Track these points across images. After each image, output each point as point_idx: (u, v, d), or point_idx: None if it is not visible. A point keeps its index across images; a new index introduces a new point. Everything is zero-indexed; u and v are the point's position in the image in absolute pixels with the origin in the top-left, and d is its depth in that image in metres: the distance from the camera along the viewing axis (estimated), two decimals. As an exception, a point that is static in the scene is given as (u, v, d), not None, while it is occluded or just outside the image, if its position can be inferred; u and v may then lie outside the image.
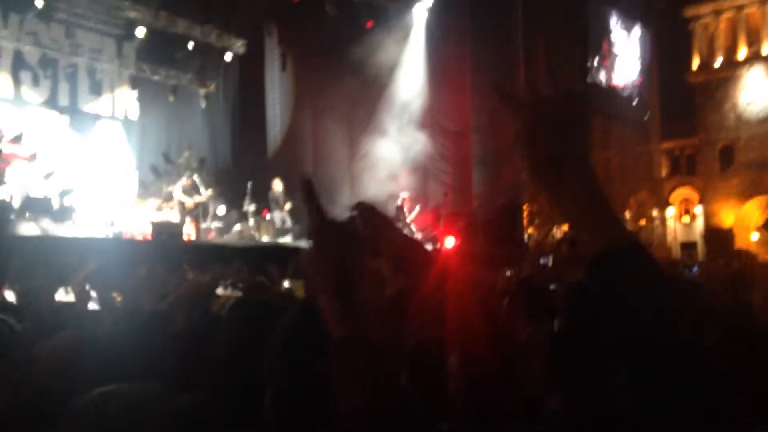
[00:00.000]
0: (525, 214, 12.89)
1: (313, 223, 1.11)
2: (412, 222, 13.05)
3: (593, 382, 2.29)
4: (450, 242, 10.97)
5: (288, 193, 11.99)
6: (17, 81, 11.62)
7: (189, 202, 11.41)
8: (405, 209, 12.98)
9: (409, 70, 13.84)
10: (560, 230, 13.76)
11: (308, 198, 1.08)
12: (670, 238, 24.27)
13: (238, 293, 3.64)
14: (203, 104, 14.49)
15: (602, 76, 15.83)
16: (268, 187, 12.06)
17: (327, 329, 1.09)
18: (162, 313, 2.31)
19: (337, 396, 1.08)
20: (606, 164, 16.41)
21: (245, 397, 1.82)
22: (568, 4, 14.94)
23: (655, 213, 24.17)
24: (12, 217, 8.22)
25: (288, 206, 11.94)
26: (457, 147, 13.12)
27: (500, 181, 12.35)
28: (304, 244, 11.34)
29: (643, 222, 22.33)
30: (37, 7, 11.18)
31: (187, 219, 11.20)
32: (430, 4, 13.66)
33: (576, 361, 2.45)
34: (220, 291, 3.69)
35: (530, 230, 13.02)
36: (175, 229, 10.05)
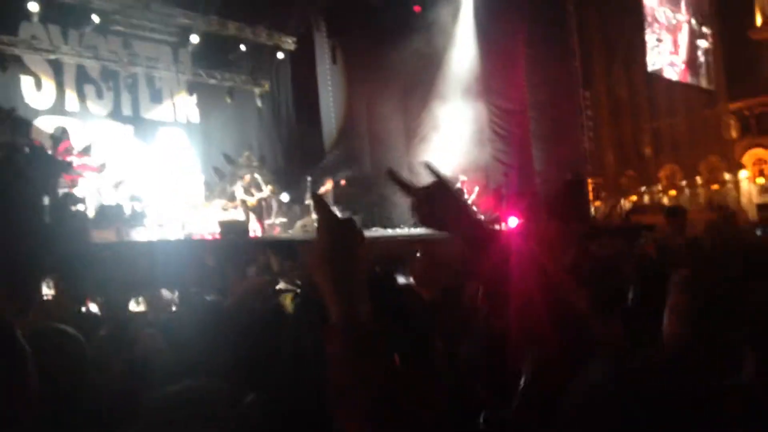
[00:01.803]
0: (590, 188, 12.62)
1: (322, 215, 1.17)
2: (473, 204, 12.96)
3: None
4: (513, 222, 10.84)
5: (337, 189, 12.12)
6: (81, 95, 12.07)
7: (252, 200, 11.65)
8: (465, 191, 12.90)
9: (462, 51, 13.68)
10: (629, 201, 13.41)
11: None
12: (744, 200, 23.38)
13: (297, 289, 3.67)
14: (259, 103, 14.72)
15: (663, 53, 15.32)
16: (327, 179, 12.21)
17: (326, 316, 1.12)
18: (227, 310, 2.37)
19: (336, 389, 1.10)
20: (672, 131, 15.87)
21: (310, 395, 1.84)
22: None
23: (727, 176, 23.33)
24: (88, 227, 8.54)
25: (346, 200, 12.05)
26: (515, 125, 12.92)
27: (560, 157, 12.12)
28: (368, 234, 11.43)
29: (715, 187, 21.57)
30: (94, 22, 11.55)
31: (252, 217, 11.45)
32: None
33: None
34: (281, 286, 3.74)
35: (597, 204, 12.71)
36: (242, 227, 10.27)
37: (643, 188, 12.50)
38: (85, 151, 10.34)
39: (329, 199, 12.05)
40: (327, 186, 12.16)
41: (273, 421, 1.75)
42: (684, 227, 4.82)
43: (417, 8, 13.22)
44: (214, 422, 1.57)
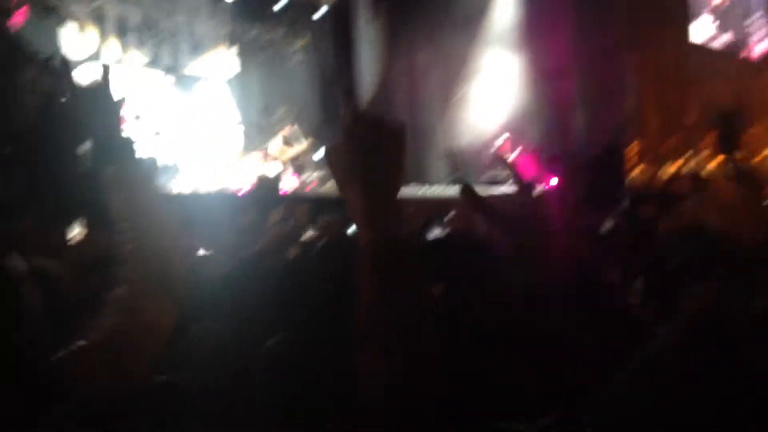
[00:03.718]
0: (635, 152, 12.37)
1: (346, 116, 1.07)
2: (513, 163, 12.78)
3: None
4: (552, 183, 10.68)
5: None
6: (122, 44, 12.10)
7: (290, 152, 11.69)
8: (505, 151, 12.74)
9: (505, 10, 13.37)
10: (672, 168, 13.11)
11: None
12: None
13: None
14: (299, 56, 14.65)
15: (711, 23, 14.77)
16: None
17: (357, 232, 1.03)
18: (251, 258, 2.37)
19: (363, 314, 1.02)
20: (719, 98, 15.41)
21: (334, 338, 1.83)
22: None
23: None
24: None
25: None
26: (558, 88, 12.65)
27: (603, 120, 11.87)
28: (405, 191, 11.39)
29: (758, 158, 20.91)
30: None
31: (289, 169, 11.50)
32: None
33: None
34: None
35: (639, 169, 12.47)
36: (275, 182, 10.31)
37: (687, 155, 12.20)
38: (122, 101, 10.42)
39: None
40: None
41: (298, 360, 1.75)
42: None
43: None
44: (231, 362, 1.58)
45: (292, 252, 2.50)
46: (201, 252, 3.54)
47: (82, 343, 1.33)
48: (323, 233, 3.52)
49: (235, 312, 1.92)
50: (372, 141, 1.06)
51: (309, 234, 3.54)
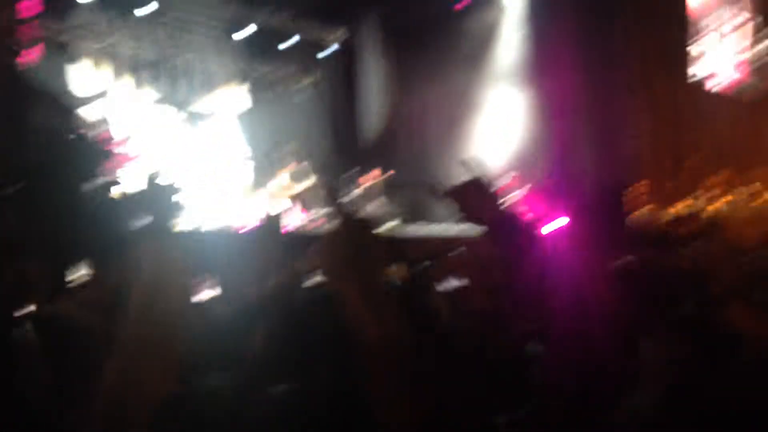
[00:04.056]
0: (641, 192, 12.35)
1: (340, 217, 1.14)
2: (519, 202, 12.81)
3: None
4: (558, 222, 10.69)
5: (387, 179, 12.13)
6: (132, 82, 12.29)
7: (297, 189, 11.76)
8: (511, 189, 12.76)
9: (509, 50, 13.54)
10: (675, 209, 13.06)
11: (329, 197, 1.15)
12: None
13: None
14: (307, 94, 14.83)
15: (712, 62, 14.93)
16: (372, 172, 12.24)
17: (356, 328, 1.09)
18: (256, 302, 2.37)
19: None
20: (723, 139, 15.47)
21: (342, 387, 1.82)
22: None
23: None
24: (127, 214, 8.68)
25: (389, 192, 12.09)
26: (563, 125, 12.74)
27: (606, 160, 11.91)
28: (408, 230, 11.44)
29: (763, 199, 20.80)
30: (150, 10, 11.74)
31: (297, 206, 11.56)
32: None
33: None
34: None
35: (643, 210, 12.45)
36: (278, 220, 10.31)
37: (690, 196, 12.19)
38: (131, 138, 10.54)
39: (378, 189, 12.08)
40: (374, 175, 12.18)
41: (305, 409, 1.75)
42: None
43: (459, 6, 13.12)
44: (238, 414, 1.57)
45: (299, 295, 2.51)
46: (206, 293, 3.55)
47: (84, 409, 1.35)
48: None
49: (239, 361, 1.93)
50: (359, 240, 1.15)
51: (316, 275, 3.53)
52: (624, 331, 2.74)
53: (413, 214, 12.53)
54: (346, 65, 14.63)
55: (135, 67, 12.30)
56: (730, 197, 10.79)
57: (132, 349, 1.44)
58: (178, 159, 11.71)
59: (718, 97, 14.76)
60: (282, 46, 13.89)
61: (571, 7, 11.96)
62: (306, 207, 11.77)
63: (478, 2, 13.29)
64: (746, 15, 15.88)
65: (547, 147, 12.87)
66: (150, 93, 12.52)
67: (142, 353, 1.46)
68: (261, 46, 13.71)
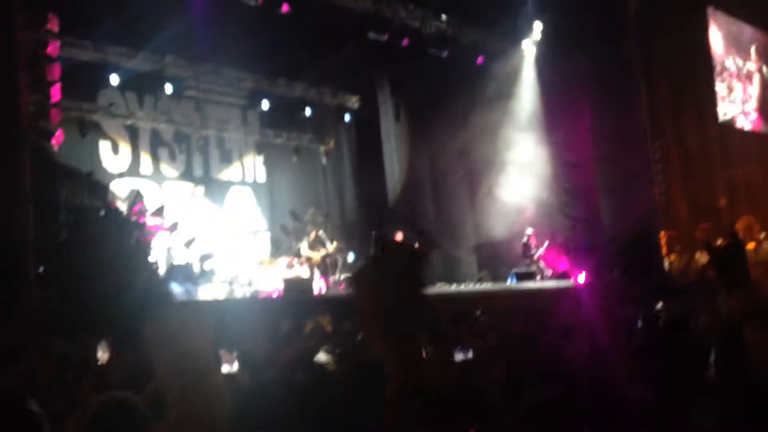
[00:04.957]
0: (663, 242, 12.19)
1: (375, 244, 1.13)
2: (540, 258, 12.72)
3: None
4: (581, 278, 10.56)
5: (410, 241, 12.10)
6: (156, 157, 12.59)
7: (316, 256, 11.78)
8: (532, 245, 12.71)
9: (525, 104, 13.66)
10: (704, 255, 12.86)
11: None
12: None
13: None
14: (324, 161, 15.04)
15: (735, 101, 14.94)
16: (392, 236, 12.21)
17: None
18: (276, 374, 2.36)
19: None
20: (748, 181, 15.32)
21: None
22: (688, 37, 14.22)
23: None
24: (161, 286, 8.76)
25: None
26: (582, 178, 12.69)
27: (630, 210, 11.78)
28: (434, 290, 11.35)
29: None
30: (168, 89, 12.11)
31: (316, 273, 11.55)
32: (539, 38, 13.47)
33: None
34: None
35: (671, 258, 12.28)
36: (306, 285, 10.34)
37: (720, 241, 12.00)
38: (158, 212, 10.72)
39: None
40: (397, 238, 12.19)
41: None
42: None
43: (480, 60, 13.29)
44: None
45: (316, 367, 2.49)
46: (231, 363, 3.54)
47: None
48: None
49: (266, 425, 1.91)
50: (397, 269, 1.12)
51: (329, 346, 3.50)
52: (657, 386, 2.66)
53: (437, 276, 12.48)
54: (363, 132, 14.85)
55: (156, 142, 12.60)
56: (755, 242, 10.61)
57: (170, 427, 1.44)
58: (200, 231, 11.84)
59: (745, 139, 14.68)
60: (298, 116, 14.17)
61: (589, 54, 12.05)
62: (325, 274, 11.77)
63: (495, 57, 13.46)
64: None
65: (569, 200, 12.80)
66: (171, 167, 12.78)
67: (182, 422, 1.45)
68: (279, 117, 14.00)
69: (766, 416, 2.00)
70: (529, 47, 13.67)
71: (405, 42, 12.18)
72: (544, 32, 13.28)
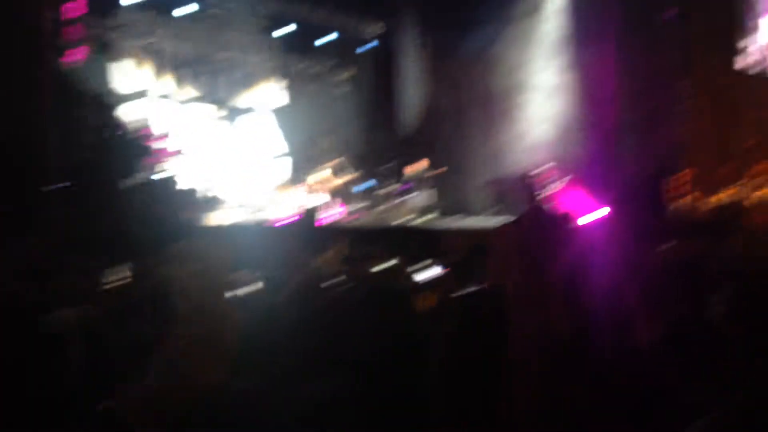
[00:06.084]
0: (686, 179, 12.08)
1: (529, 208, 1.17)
2: (559, 192, 12.66)
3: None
4: (598, 213, 10.52)
5: (429, 171, 12.11)
6: (174, 79, 12.50)
7: (336, 183, 11.84)
8: (552, 179, 12.62)
9: (552, 35, 13.31)
10: (726, 195, 12.73)
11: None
12: None
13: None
14: (346, 89, 14.89)
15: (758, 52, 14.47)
16: (409, 166, 12.25)
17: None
18: (281, 302, 2.41)
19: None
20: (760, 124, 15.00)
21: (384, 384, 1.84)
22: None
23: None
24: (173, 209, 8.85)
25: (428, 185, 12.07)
26: (604, 113, 12.50)
27: (653, 148, 11.65)
28: (446, 223, 11.41)
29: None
30: (191, 9, 11.93)
31: (336, 200, 11.64)
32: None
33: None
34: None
35: (692, 196, 12.18)
36: (312, 213, 10.38)
37: (741, 182, 11.88)
38: (169, 135, 10.72)
39: (427, 177, 12.07)
40: (421, 165, 12.20)
41: (337, 412, 1.77)
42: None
43: None
44: (268, 415, 1.61)
45: (329, 293, 2.54)
46: (247, 286, 3.62)
47: (128, 398, 1.39)
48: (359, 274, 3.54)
49: (274, 358, 1.96)
50: (542, 234, 1.15)
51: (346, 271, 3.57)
52: (661, 322, 2.71)
53: (453, 207, 12.50)
54: (384, 59, 14.63)
55: (176, 64, 12.51)
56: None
57: (180, 343, 1.49)
58: (218, 155, 11.89)
59: (765, 83, 14.32)
60: (320, 42, 13.95)
61: None
62: (345, 201, 11.85)
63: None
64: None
65: (589, 134, 12.66)
66: (190, 90, 12.72)
67: (190, 347, 1.51)
68: (300, 42, 13.80)
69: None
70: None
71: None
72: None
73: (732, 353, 2.37)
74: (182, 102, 12.55)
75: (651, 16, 11.98)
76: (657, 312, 2.92)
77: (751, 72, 13.52)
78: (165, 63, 12.37)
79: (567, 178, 12.43)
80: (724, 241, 4.46)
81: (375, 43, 14.59)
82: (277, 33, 13.56)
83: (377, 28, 14.54)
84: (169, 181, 9.31)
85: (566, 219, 2.52)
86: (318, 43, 13.98)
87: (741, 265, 3.68)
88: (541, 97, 13.06)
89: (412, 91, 14.29)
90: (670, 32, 12.28)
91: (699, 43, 12.79)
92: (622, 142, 12.13)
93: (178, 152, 10.61)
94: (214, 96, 13.04)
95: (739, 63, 13.45)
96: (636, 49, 11.91)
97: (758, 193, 11.60)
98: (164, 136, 10.41)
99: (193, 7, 11.94)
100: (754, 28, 13.88)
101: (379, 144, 14.30)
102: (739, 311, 2.74)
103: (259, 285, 3.22)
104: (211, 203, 10.13)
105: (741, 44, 13.46)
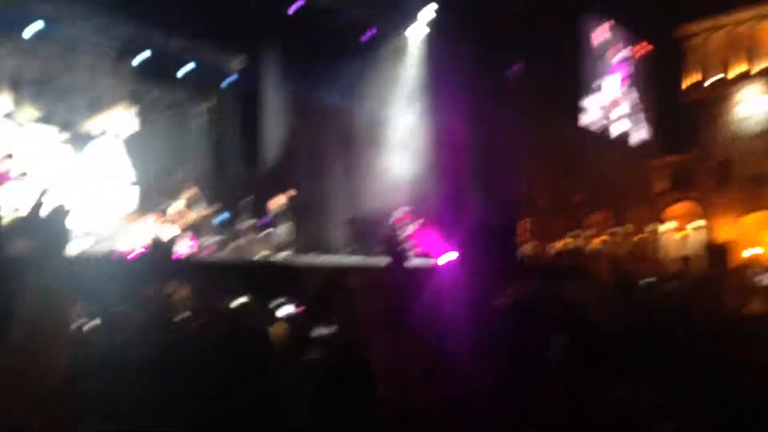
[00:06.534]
0: (524, 229, 12.90)
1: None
2: (411, 236, 13.05)
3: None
4: (448, 256, 10.95)
5: (288, 207, 12.08)
6: (16, 98, 11.66)
7: (188, 217, 11.46)
8: (404, 223, 12.99)
9: (407, 85, 13.88)
10: (560, 244, 13.74)
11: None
12: (663, 252, 24.13)
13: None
14: (202, 119, 14.56)
15: (597, 112, 15.96)
16: (267, 201, 12.14)
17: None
18: (126, 339, 2.33)
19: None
20: (606, 181, 16.46)
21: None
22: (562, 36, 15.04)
23: (653, 227, 24.08)
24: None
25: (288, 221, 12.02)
26: (456, 161, 13.14)
27: (497, 197, 12.35)
28: (303, 259, 11.38)
29: (641, 236, 22.34)
30: (37, 26, 11.25)
31: (187, 234, 11.25)
32: (426, 23, 13.72)
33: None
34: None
35: (529, 245, 13.02)
36: (168, 246, 10.02)
37: (574, 233, 12.90)
38: (8, 157, 9.96)
39: (286, 213, 11.95)
40: (281, 200, 12.08)
41: None
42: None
43: (370, 33, 13.37)
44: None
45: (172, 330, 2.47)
46: (88, 321, 3.40)
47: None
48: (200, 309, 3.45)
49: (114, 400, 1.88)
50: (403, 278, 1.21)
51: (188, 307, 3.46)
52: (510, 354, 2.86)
53: (310, 244, 12.50)
54: (246, 93, 14.48)
55: (18, 83, 11.68)
56: (606, 236, 11.50)
57: (31, 327, 1.40)
58: (62, 181, 11.14)
59: (603, 142, 15.72)
60: (180, 72, 13.60)
61: (467, 50, 12.40)
62: (196, 235, 11.47)
63: (381, 36, 13.55)
64: (630, 69, 17.09)
65: (441, 180, 13.19)
66: (33, 111, 11.89)
67: (11, 385, 1.40)
68: (157, 70, 13.37)
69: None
70: (420, 27, 13.86)
71: (296, 5, 11.99)
72: (437, 12, 13.53)
73: (566, 393, 2.55)
74: (24, 123, 11.70)
75: (500, 72, 12.84)
76: (498, 350, 3.08)
77: (593, 129, 14.82)
78: (4, 81, 11.52)
79: (420, 221, 12.88)
80: (563, 286, 4.80)
81: (236, 76, 14.44)
82: (132, 60, 13.06)
83: (239, 62, 14.41)
84: (8, 209, 8.60)
85: (424, 263, 2.65)
86: (178, 73, 13.61)
87: (578, 309, 4.00)
88: (399, 140, 13.50)
89: (274, 126, 14.23)
90: (518, 89, 13.23)
91: (545, 100, 13.87)
92: (471, 189, 12.78)
93: (18, 177, 9.83)
94: (59, 118, 12.26)
95: (582, 120, 14.72)
96: (486, 102, 12.68)
97: (593, 242, 12.63)
98: (4, 158, 9.62)
99: (39, 26, 11.25)
100: (598, 89, 15.25)
101: (237, 177, 14.06)
102: (574, 355, 2.97)
103: (104, 320, 3.06)
104: (57, 233, 9.42)
105: (584, 103, 14.76)
